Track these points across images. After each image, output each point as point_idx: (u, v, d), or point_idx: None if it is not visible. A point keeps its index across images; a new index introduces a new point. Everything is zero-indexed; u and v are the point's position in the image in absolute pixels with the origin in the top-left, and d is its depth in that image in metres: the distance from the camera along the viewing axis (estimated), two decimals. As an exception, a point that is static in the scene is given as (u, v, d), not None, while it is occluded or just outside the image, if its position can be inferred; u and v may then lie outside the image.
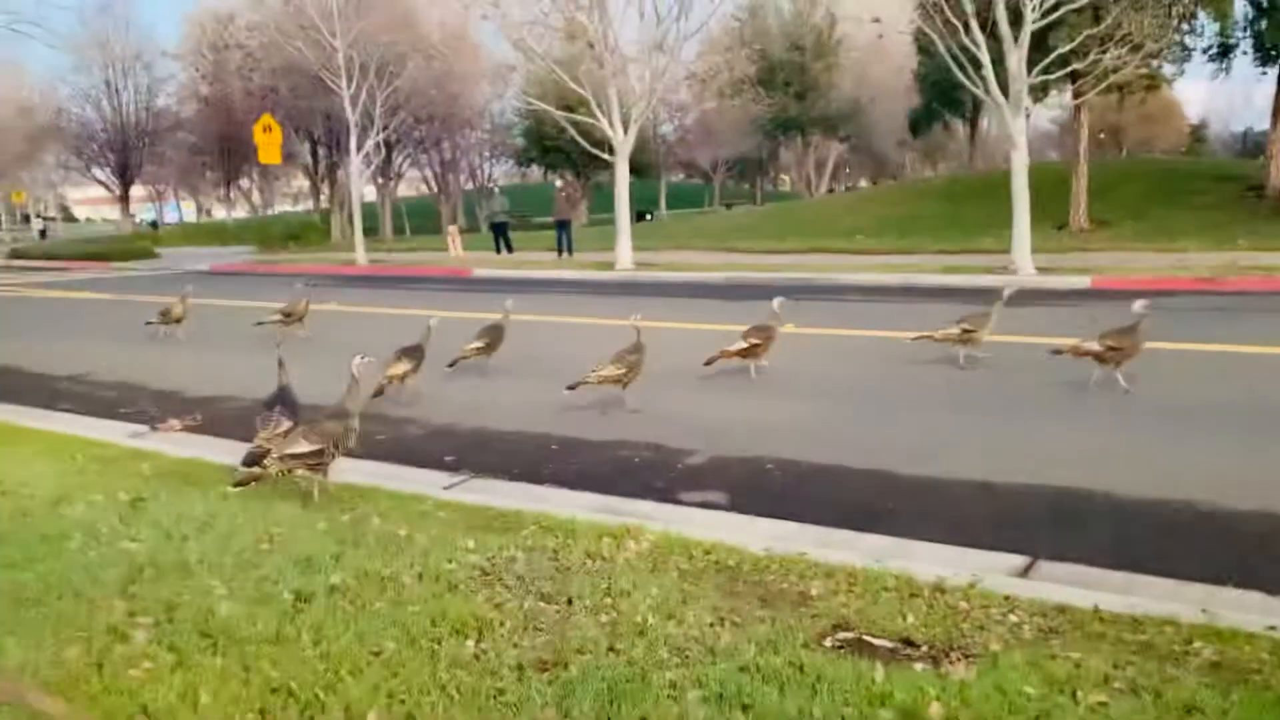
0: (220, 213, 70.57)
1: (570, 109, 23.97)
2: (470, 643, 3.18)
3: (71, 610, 3.36)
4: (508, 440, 6.93)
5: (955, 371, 8.49)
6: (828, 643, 3.28)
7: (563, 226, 24.33)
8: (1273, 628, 3.26)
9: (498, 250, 26.09)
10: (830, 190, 60.89)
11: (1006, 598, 3.62)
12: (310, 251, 32.14)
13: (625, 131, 20.87)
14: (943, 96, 37.40)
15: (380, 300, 16.69)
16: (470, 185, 57.71)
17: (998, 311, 8.52)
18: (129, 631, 3.17)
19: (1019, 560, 4.32)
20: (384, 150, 40.01)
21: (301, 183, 58.96)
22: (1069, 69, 16.91)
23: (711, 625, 3.38)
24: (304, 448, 4.98)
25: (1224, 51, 23.29)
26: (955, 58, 16.43)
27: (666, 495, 5.51)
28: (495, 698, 2.81)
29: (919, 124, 42.86)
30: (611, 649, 3.16)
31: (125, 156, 50.86)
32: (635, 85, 21.21)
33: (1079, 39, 16.42)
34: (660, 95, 24.36)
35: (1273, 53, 21.74)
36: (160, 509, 4.73)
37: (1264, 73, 22.79)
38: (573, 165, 47.00)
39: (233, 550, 4.05)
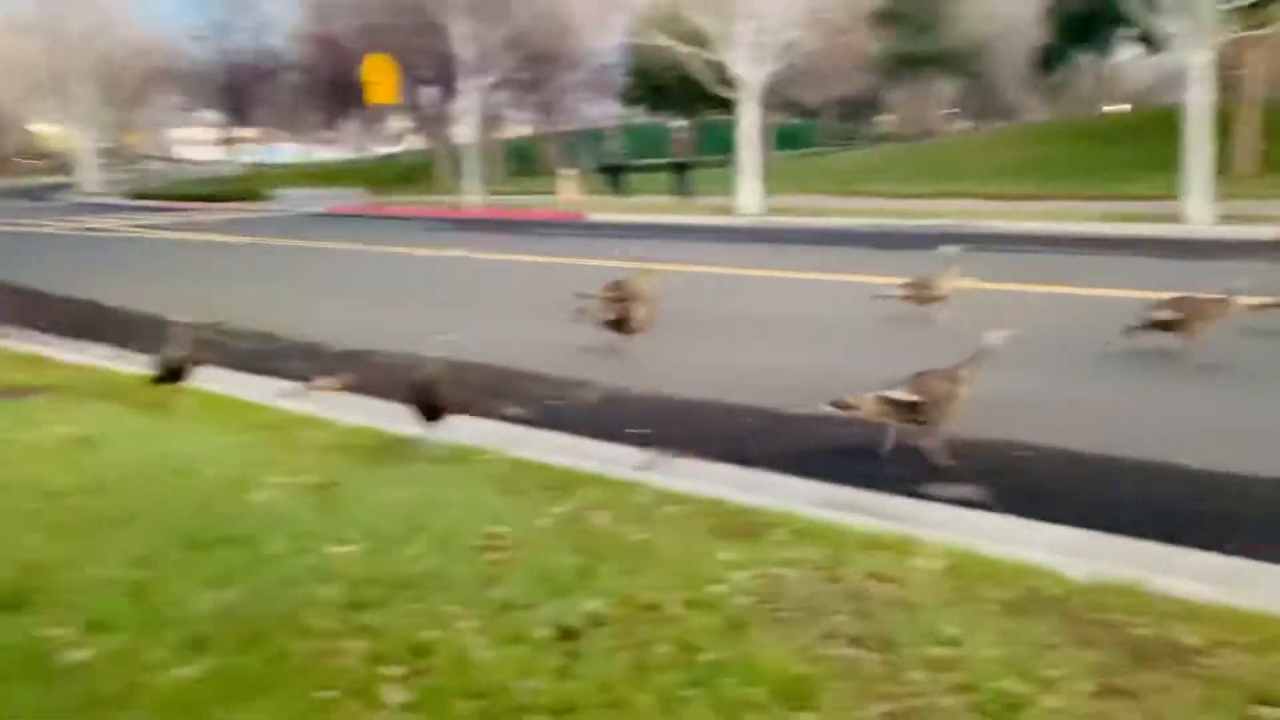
0: (323, 154, 71.06)
1: (691, 44, 22.87)
2: (808, 718, 2.48)
3: (300, 652, 2.76)
4: (697, 411, 6.23)
5: (1234, 340, 7.31)
6: (1261, 726, 2.51)
7: (682, 169, 23.43)
8: None
9: (612, 192, 25.34)
10: (940, 132, 58.33)
11: None
12: (422, 194, 31.86)
13: (757, 66, 19.81)
14: (1078, 31, 35.00)
15: (508, 247, 16.14)
16: (575, 127, 56.75)
17: None
18: (380, 691, 2.55)
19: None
20: (492, 91, 39.39)
21: (403, 124, 58.71)
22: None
23: (1095, 696, 2.62)
24: (903, 396, 4.80)
25: None
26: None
27: (908, 488, 4.73)
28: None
29: (1051, 60, 40.34)
30: (990, 733, 2.44)
31: (235, 97, 51.28)
32: (772, 18, 20.03)
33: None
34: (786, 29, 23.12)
35: None
36: (355, 497, 4.15)
37: None
38: (680, 105, 45.65)
39: (458, 558, 3.43)
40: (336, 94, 48.49)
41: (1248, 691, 2.65)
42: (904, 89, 56.45)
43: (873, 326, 8.50)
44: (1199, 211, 14.88)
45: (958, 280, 8.19)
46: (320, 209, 26.89)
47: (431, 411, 4.86)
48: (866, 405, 4.98)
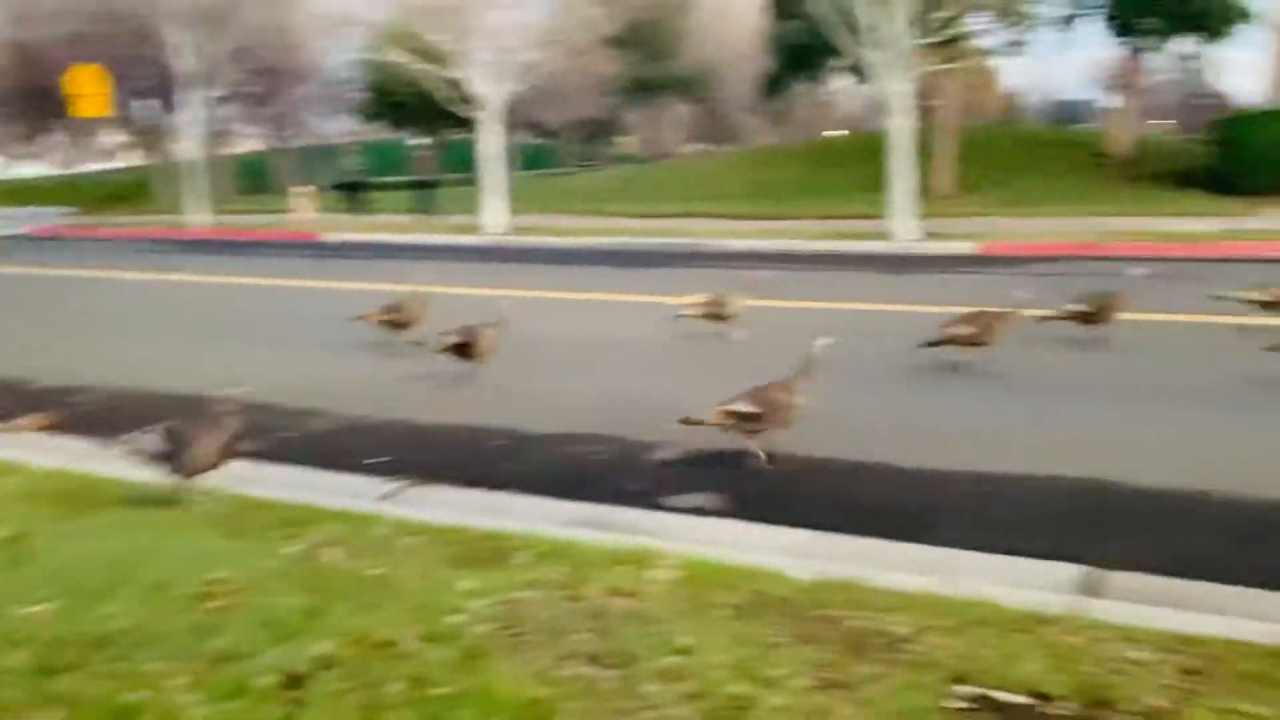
0: (24, 170, 64.43)
1: (428, 61, 22.56)
2: (543, 742, 2.47)
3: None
4: (441, 435, 6.11)
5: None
6: (954, 704, 2.73)
7: (426, 186, 23.04)
8: None
9: (351, 211, 24.53)
10: (676, 154, 60.62)
11: (1109, 627, 3.16)
12: (141, 213, 29.57)
13: (496, 85, 19.81)
14: (797, 60, 37.34)
15: (237, 269, 15.25)
16: (308, 142, 54.49)
17: None
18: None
19: (1076, 570, 3.88)
20: (218, 105, 37.17)
21: (118, 138, 54.22)
22: (949, 33, 16.84)
23: (814, 691, 2.77)
24: (746, 408, 5.05)
25: (1073, 19, 24.08)
26: (832, 20, 16.15)
27: (650, 501, 4.85)
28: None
29: (773, 87, 42.81)
30: (722, 738, 2.52)
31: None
32: (508, 39, 20.08)
33: (962, 5, 16.36)
34: (524, 50, 23.27)
35: (1125, 26, 22.53)
36: (50, 549, 3.75)
37: (1121, 43, 23.73)
38: (421, 123, 44.90)
39: (170, 610, 3.17)
40: (38, 105, 44.17)
41: (947, 672, 2.89)
42: (642, 112, 58.29)
43: (621, 343, 8.67)
44: (905, 230, 16.23)
45: (748, 300, 8.41)
46: (19, 230, 24.36)
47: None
48: (713, 418, 5.17)
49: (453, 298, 8.83)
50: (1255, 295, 7.77)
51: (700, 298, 8.42)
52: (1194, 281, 10.13)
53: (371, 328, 8.30)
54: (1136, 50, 24.44)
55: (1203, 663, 2.95)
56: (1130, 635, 3.10)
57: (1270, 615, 3.35)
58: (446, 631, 3.08)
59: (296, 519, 4.23)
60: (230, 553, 3.75)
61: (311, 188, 26.94)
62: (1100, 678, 2.85)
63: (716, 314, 8.30)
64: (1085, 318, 7.79)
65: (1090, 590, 3.68)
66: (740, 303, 8.35)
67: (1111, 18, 22.71)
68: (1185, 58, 51.02)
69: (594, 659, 2.94)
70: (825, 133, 51.82)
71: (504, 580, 3.53)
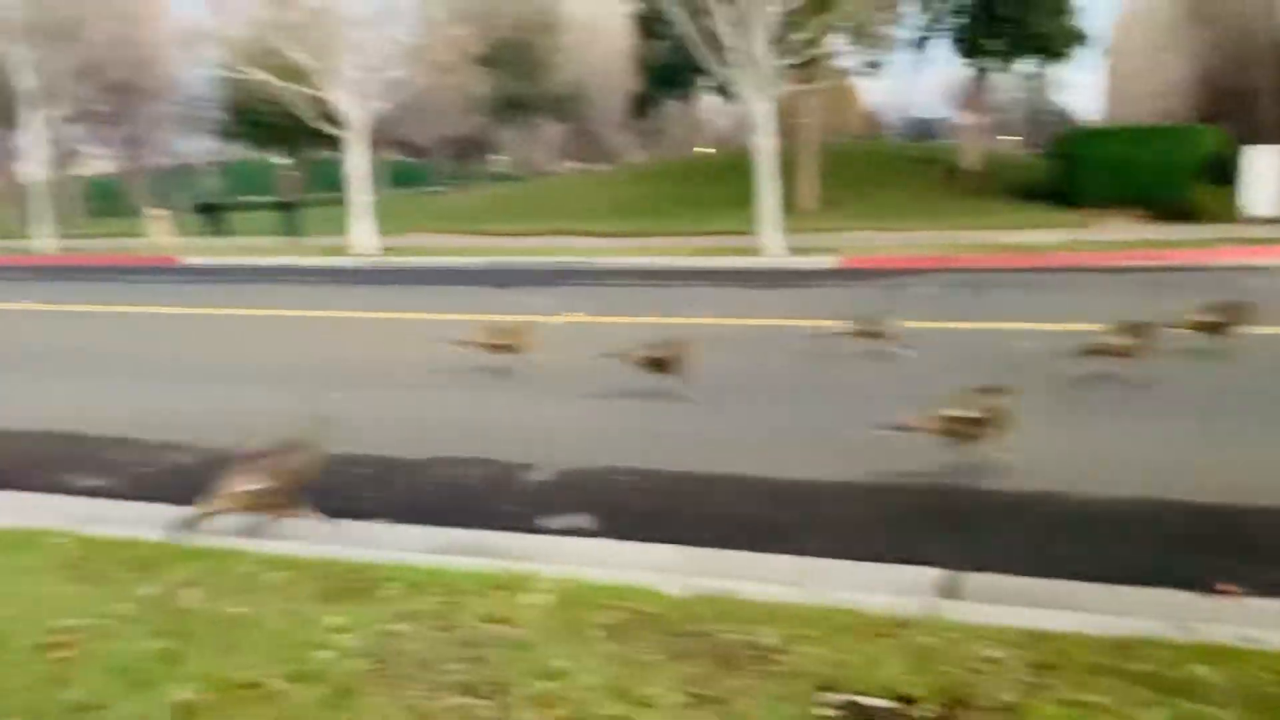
0: None
1: (289, 80, 22.01)
2: (413, 777, 2.43)
3: None
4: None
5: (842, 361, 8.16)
6: (822, 712, 2.81)
7: (290, 208, 22.45)
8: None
9: (211, 234, 23.71)
10: (550, 172, 60.71)
11: (967, 627, 3.30)
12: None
13: (362, 103, 19.48)
14: (665, 80, 38.02)
15: (89, 296, 14.52)
16: (165, 163, 52.42)
17: None
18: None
19: (936, 574, 4.05)
20: (63, 124, 35.40)
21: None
22: (808, 55, 17.36)
23: (688, 707, 2.81)
24: (966, 413, 4.99)
25: (924, 41, 25.25)
26: (697, 42, 16.46)
27: (523, 524, 4.83)
28: None
29: (642, 106, 43.38)
30: (593, 760, 2.53)
31: None
32: (372, 57, 19.78)
33: (820, 27, 16.88)
34: (389, 68, 22.90)
35: (972, 47, 23.72)
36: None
37: (968, 64, 24.98)
38: (285, 142, 43.75)
39: (15, 662, 3.00)
40: None
41: (815, 680, 2.97)
42: (514, 130, 58.13)
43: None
44: (773, 244, 16.63)
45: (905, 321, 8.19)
46: None
47: None
48: (929, 425, 5.13)
49: (323, 321, 8.59)
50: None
51: (853, 318, 8.18)
52: (1051, 290, 10.67)
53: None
54: (982, 70, 25.70)
55: (1052, 657, 3.11)
56: (985, 634, 3.25)
57: (1116, 609, 3.56)
58: (314, 670, 3.00)
59: (152, 558, 4.06)
60: (79, 598, 3.57)
61: (167, 210, 25.90)
62: (957, 677, 2.98)
63: (870, 333, 8.05)
64: (1212, 328, 7.69)
65: (948, 592, 3.84)
66: (899, 325, 8.11)
67: (958, 40, 23.81)
68: (1029, 78, 54.08)
69: (468, 689, 2.92)
70: (697, 149, 52.68)
71: (374, 613, 3.47)
